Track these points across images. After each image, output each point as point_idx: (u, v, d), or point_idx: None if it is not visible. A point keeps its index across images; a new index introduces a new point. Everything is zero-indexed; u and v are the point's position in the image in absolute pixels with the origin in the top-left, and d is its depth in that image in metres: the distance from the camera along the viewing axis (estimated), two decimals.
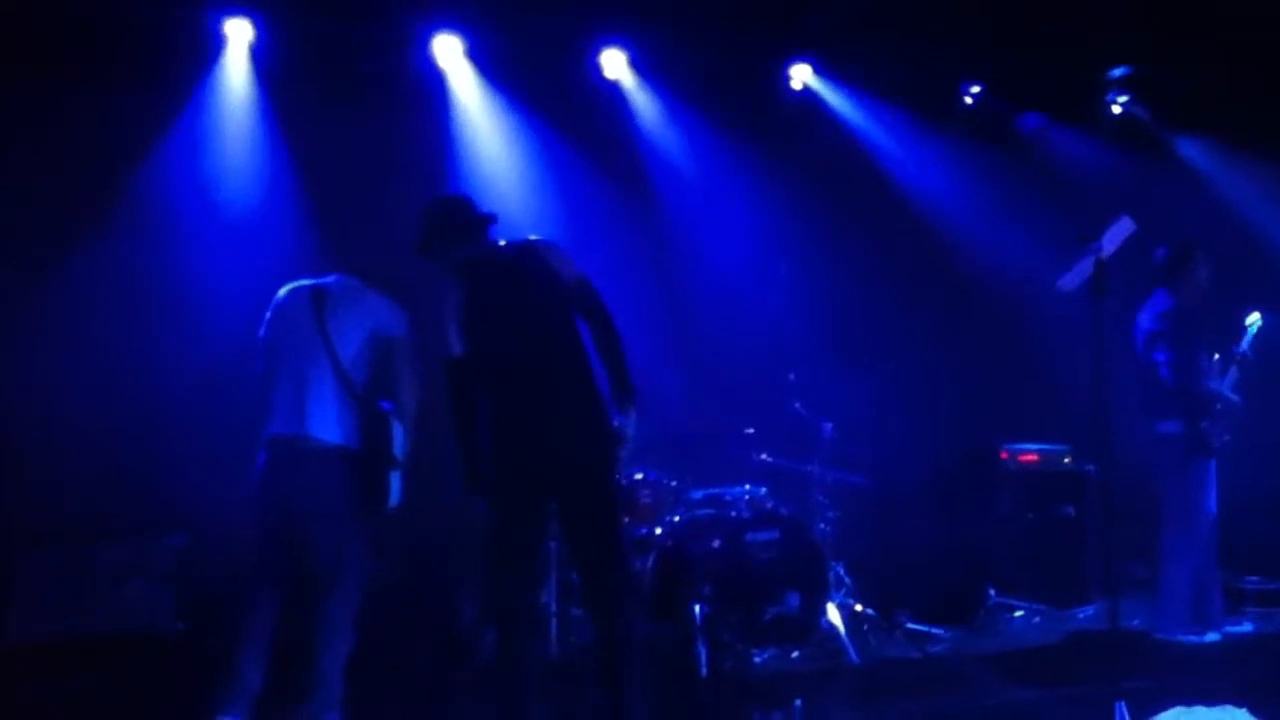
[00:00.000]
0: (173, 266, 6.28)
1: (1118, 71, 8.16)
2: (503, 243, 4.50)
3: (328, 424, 4.42)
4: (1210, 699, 4.63)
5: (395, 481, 4.45)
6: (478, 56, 6.96)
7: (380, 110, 6.66)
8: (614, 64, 7.27)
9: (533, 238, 4.47)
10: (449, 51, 6.88)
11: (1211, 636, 5.80)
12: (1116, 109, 8.19)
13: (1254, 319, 6.03)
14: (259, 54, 6.52)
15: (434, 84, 6.95)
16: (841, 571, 6.09)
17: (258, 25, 6.45)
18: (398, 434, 4.45)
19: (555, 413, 4.24)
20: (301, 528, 4.40)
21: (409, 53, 6.81)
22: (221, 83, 6.46)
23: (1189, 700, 4.62)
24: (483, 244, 4.48)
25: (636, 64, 7.34)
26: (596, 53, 7.23)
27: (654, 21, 7.05)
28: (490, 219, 4.53)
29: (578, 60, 7.22)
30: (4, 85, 5.97)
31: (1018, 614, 6.52)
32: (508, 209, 6.71)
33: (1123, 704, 4.39)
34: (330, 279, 4.67)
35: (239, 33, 6.44)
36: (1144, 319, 5.98)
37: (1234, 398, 5.90)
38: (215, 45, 6.44)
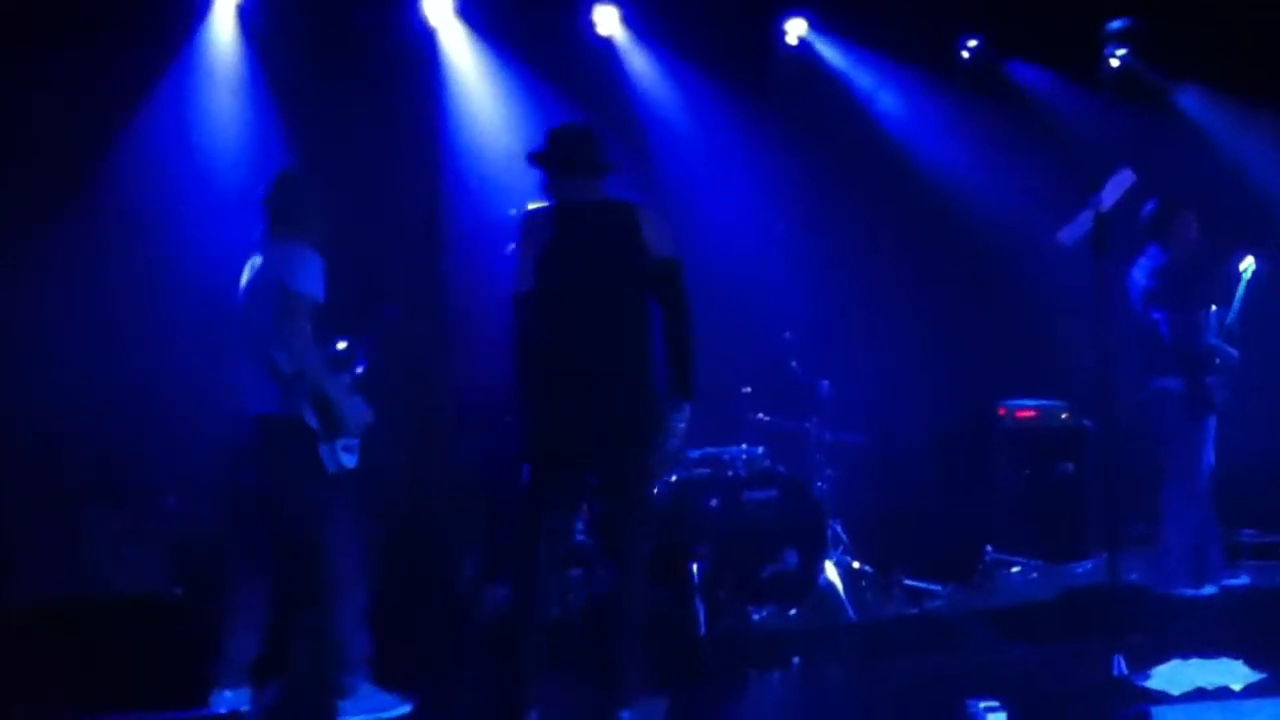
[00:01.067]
0: (161, 229, 6.19)
1: (1116, 24, 8.07)
2: (606, 196, 4.28)
3: (249, 393, 4.33)
4: (1207, 652, 4.66)
5: (323, 449, 4.26)
6: (468, 14, 6.88)
7: (370, 69, 6.56)
8: (606, 20, 7.19)
9: (638, 204, 4.26)
10: (439, 9, 6.79)
11: (1209, 590, 5.81)
12: (1115, 62, 8.10)
13: (1247, 263, 5.99)
14: (246, 13, 6.42)
15: (424, 42, 6.86)
16: (839, 529, 6.09)
17: None
18: (303, 399, 4.23)
19: (605, 385, 4.12)
20: (258, 498, 4.35)
21: (398, 10, 6.72)
22: (208, 43, 6.37)
23: (1186, 653, 4.65)
24: (591, 189, 4.26)
25: (629, 20, 7.25)
26: (589, 9, 7.14)
27: None
28: (609, 166, 4.31)
29: (570, 17, 7.14)
30: None
31: (1015, 570, 6.55)
32: (500, 168, 6.76)
33: (1121, 657, 4.41)
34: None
35: None
36: (1139, 275, 5.95)
37: (1232, 351, 5.87)
38: (202, 4, 6.35)
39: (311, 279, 4.25)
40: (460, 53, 6.94)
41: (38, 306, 5.99)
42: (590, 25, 7.18)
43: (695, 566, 5.40)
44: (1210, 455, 5.87)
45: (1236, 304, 5.93)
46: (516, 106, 6.92)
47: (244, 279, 4.46)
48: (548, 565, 4.23)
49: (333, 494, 4.32)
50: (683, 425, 4.20)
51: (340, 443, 4.29)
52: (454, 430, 4.38)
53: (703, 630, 5.27)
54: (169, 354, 6.04)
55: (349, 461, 4.33)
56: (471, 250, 5.98)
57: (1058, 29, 7.80)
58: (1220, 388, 5.80)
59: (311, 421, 4.23)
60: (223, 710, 4.31)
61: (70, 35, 5.90)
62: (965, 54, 7.90)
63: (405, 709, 4.40)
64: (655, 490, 4.54)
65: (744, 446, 6.02)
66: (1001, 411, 7.00)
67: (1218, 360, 5.82)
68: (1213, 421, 5.86)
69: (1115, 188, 5.08)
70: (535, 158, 4.35)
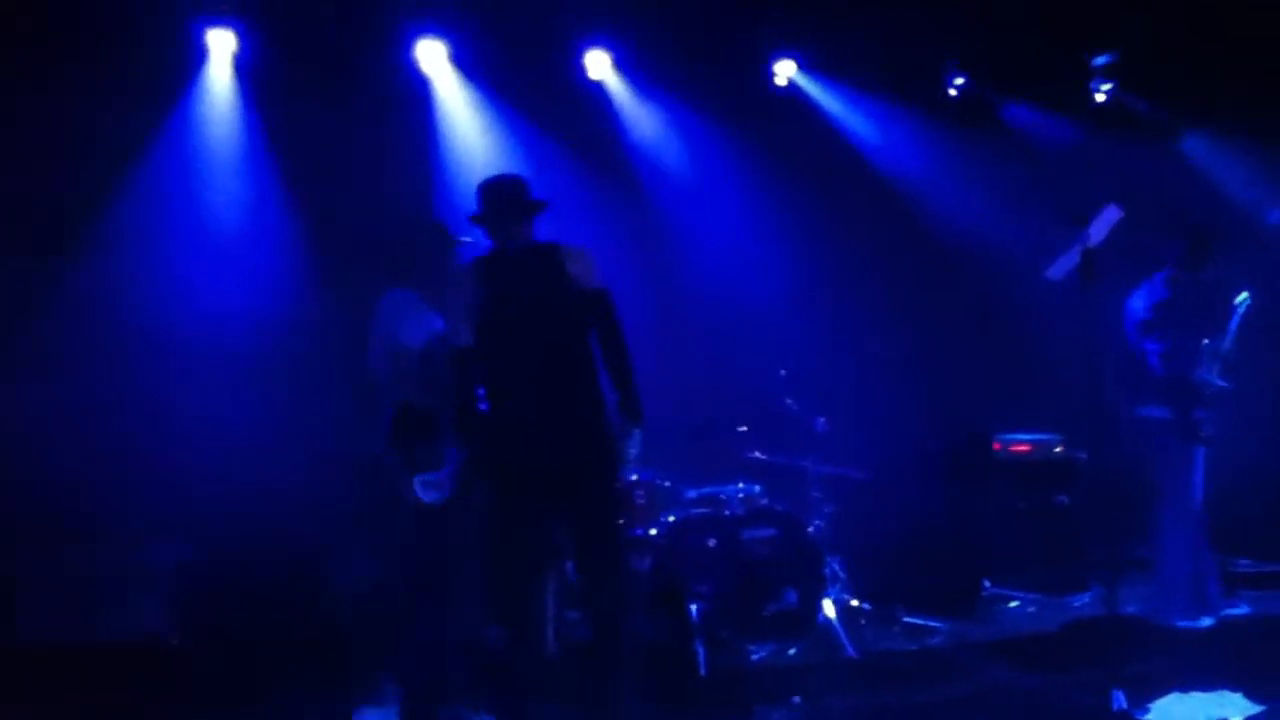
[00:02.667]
0: (163, 277, 6.25)
1: (1101, 59, 8.19)
2: (532, 240, 4.53)
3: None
4: (1206, 684, 4.68)
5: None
6: (462, 61, 6.96)
7: (366, 117, 6.62)
8: (598, 65, 7.28)
9: (561, 242, 4.50)
10: (433, 57, 6.87)
11: (1206, 621, 5.83)
12: (1100, 96, 8.20)
13: (1243, 297, 6.04)
14: (242, 64, 6.50)
15: (419, 89, 6.94)
16: (838, 567, 6.10)
17: (241, 35, 6.43)
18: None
19: (560, 419, 4.27)
20: None
21: (393, 59, 6.80)
22: (206, 93, 6.44)
23: (1185, 686, 4.67)
24: (519, 235, 4.48)
25: (620, 64, 7.34)
26: (580, 54, 7.23)
27: (636, 22, 7.06)
28: (535, 208, 4.54)
29: (562, 62, 7.22)
30: None
31: (1014, 604, 6.55)
32: None
33: (1120, 692, 4.42)
34: None
35: (222, 43, 6.41)
36: (1137, 306, 6.00)
37: (1222, 383, 5.91)
38: (198, 56, 6.43)
39: (414, 328, 4.64)
40: (455, 100, 7.02)
41: (41, 349, 6.02)
42: (582, 70, 7.26)
43: (695, 606, 5.41)
44: (1200, 483, 5.89)
45: (1231, 336, 5.98)
46: (512, 151, 6.99)
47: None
48: (537, 603, 4.31)
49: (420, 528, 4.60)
50: (636, 450, 4.33)
51: (419, 479, 4.55)
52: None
53: (704, 670, 5.28)
54: (173, 397, 6.08)
55: (428, 497, 4.57)
56: None
57: (1044, 64, 7.95)
58: (1209, 421, 5.84)
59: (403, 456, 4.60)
60: None
61: (69, 85, 5.98)
62: (953, 91, 7.99)
63: None
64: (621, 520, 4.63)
65: (741, 485, 6.05)
66: (997, 446, 7.04)
67: (1209, 394, 5.86)
68: (1202, 453, 5.89)
69: (1103, 223, 5.15)
70: (472, 219, 4.57)
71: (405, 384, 4.61)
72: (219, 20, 6.37)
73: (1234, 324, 6.00)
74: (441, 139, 6.95)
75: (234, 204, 6.45)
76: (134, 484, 5.89)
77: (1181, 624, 5.79)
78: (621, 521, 5.63)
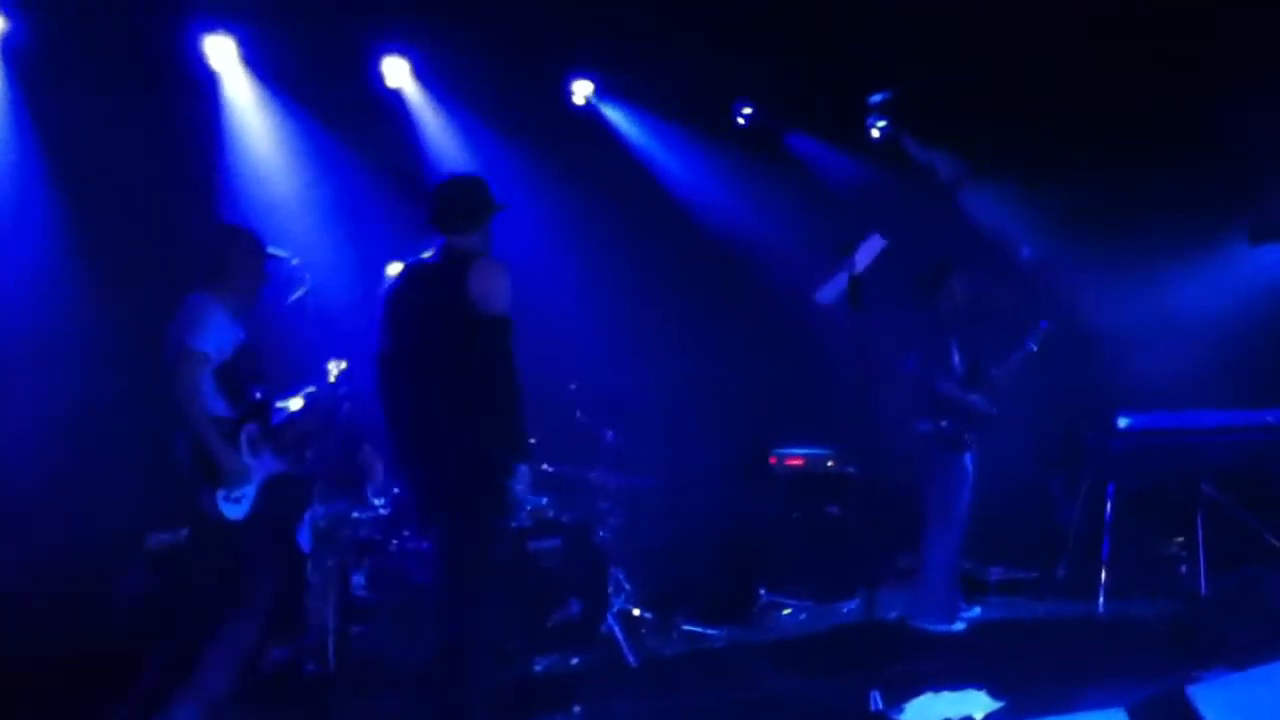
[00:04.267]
0: None
1: (877, 97, 8.71)
2: (454, 251, 4.32)
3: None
4: (956, 683, 5.05)
5: (204, 497, 4.40)
6: (253, 60, 6.75)
7: (148, 111, 6.33)
8: (396, 72, 7.21)
9: (476, 257, 4.29)
10: (222, 53, 6.64)
11: (958, 626, 6.28)
12: (875, 132, 8.72)
13: (1038, 328, 6.52)
14: (9, 43, 6.10)
15: (206, 85, 6.70)
16: (621, 577, 6.25)
17: (8, 14, 6.05)
18: (180, 447, 4.44)
19: (429, 453, 4.21)
20: None
21: (179, 50, 6.53)
22: None
23: (937, 686, 5.02)
24: (446, 244, 4.34)
25: (419, 73, 7.30)
26: (378, 60, 7.15)
27: (435, 30, 7.03)
28: (475, 216, 4.41)
29: (359, 68, 7.11)
30: None
31: (787, 611, 6.86)
32: (285, 217, 6.67)
33: (877, 692, 4.73)
34: None
35: None
36: (895, 328, 6.42)
37: (973, 399, 6.36)
38: None
39: (210, 335, 4.42)
40: (243, 98, 6.79)
41: None
42: (379, 77, 7.18)
43: None
44: (965, 495, 6.33)
45: (1015, 360, 6.45)
46: (304, 154, 6.85)
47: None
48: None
49: (215, 543, 4.43)
50: (519, 487, 4.24)
51: (221, 493, 4.37)
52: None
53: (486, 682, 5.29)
54: None
55: (231, 513, 4.40)
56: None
57: (827, 100, 8.40)
58: (965, 431, 6.29)
59: (185, 469, 4.39)
60: None
61: None
62: (740, 119, 8.33)
63: None
64: (496, 549, 4.43)
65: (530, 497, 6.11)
66: (773, 460, 7.36)
67: (962, 407, 6.31)
68: (966, 462, 6.32)
69: (867, 251, 5.52)
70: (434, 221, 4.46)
71: (199, 392, 4.40)
72: None
73: (1018, 353, 6.49)
74: (229, 138, 6.72)
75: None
76: None
77: (936, 628, 6.22)
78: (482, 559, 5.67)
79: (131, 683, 4.41)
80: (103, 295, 6.10)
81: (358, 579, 5.87)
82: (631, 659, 5.72)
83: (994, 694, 4.93)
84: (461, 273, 4.18)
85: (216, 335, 4.44)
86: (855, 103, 8.66)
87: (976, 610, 6.58)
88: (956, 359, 6.40)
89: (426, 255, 4.38)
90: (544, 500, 6.09)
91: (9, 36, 6.10)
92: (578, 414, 6.46)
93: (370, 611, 5.70)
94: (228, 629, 4.42)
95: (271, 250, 4.94)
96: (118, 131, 6.20)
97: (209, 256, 4.66)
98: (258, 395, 4.66)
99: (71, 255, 6.15)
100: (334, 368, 5.23)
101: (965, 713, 4.80)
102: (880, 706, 4.69)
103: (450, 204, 4.40)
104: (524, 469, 4.26)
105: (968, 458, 6.31)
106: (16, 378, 5.92)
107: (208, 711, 4.34)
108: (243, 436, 4.51)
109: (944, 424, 6.25)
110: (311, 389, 5.14)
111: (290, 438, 4.87)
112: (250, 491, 4.45)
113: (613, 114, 8.05)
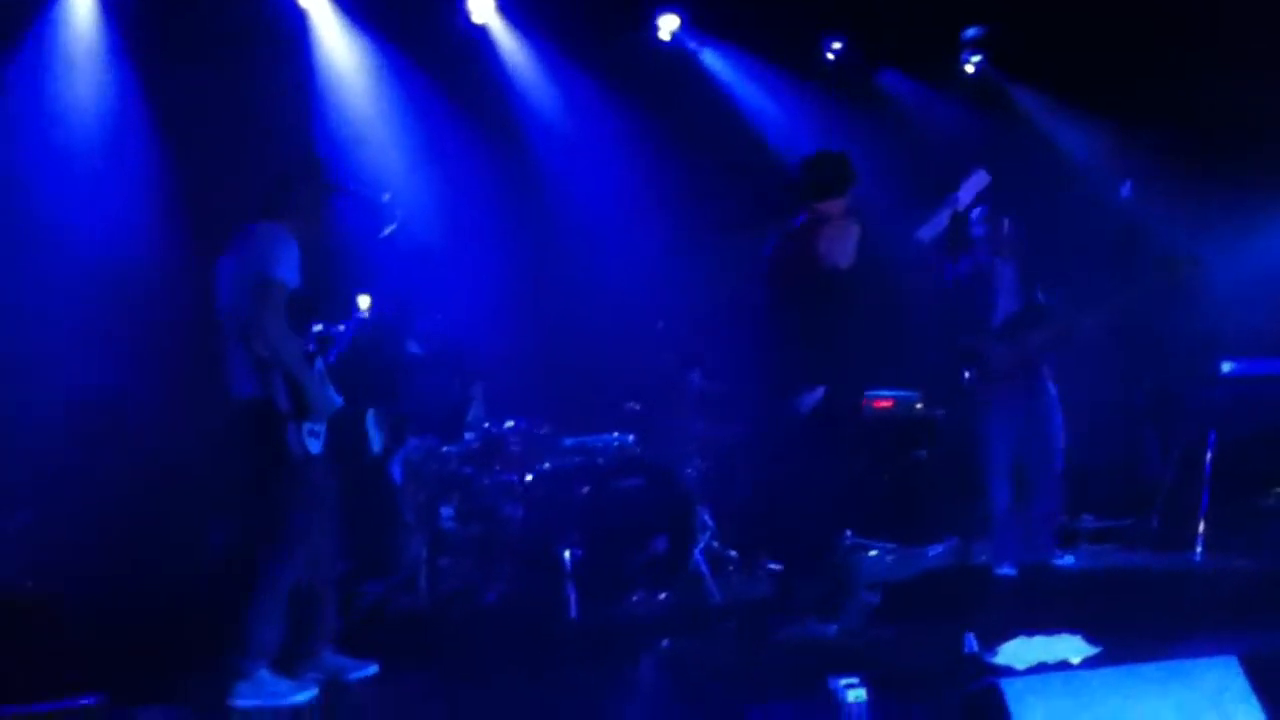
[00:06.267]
0: (13, 212, 5.94)
1: (971, 31, 8.45)
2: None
3: (235, 377, 4.34)
4: (1049, 628, 4.96)
5: (291, 432, 4.29)
6: None
7: (239, 51, 6.38)
8: (482, 7, 7.16)
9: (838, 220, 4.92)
10: None
11: (1007, 570, 6.08)
12: (970, 68, 8.47)
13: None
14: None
15: (295, 23, 6.73)
16: (707, 516, 6.24)
17: None
18: (275, 382, 4.28)
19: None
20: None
21: None
22: (65, 19, 6.12)
23: (1030, 630, 4.93)
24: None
25: (504, 7, 7.25)
26: None
27: None
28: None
29: (445, 3, 7.08)
30: None
31: (872, 553, 6.80)
32: (374, 154, 6.70)
33: (970, 635, 4.66)
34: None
35: None
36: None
37: (998, 351, 6.08)
38: None
39: (288, 266, 4.28)
40: (332, 36, 6.83)
41: None
42: (465, 12, 7.14)
43: (567, 553, 5.46)
44: (997, 445, 6.01)
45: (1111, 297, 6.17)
46: (391, 91, 6.87)
47: (222, 263, 4.44)
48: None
49: (298, 478, 4.34)
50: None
51: (306, 426, 4.31)
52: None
53: (574, 613, 5.35)
54: (26, 348, 5.80)
55: (314, 447, 4.36)
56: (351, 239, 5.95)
57: (918, 34, 8.16)
58: (987, 381, 5.97)
59: (282, 405, 4.26)
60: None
61: None
62: (830, 55, 8.14)
63: (372, 669, 4.56)
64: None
65: (615, 435, 6.12)
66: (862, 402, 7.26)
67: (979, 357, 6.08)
68: (991, 411, 5.97)
69: (971, 187, 5.36)
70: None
71: (285, 323, 4.28)
72: None
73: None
74: (318, 76, 6.75)
75: (95, 135, 6.14)
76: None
77: (1005, 571, 6.08)
78: (497, 467, 5.73)
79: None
80: (193, 237, 6.14)
81: (446, 512, 5.96)
82: (718, 596, 5.71)
83: (1090, 639, 4.84)
84: (817, 234, 4.90)
85: (291, 265, 4.30)
86: (948, 37, 8.42)
87: (1070, 559, 6.44)
88: (1005, 302, 6.13)
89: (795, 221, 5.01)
90: (630, 438, 6.08)
91: None
92: (665, 354, 6.41)
93: (460, 544, 5.77)
94: (267, 571, 4.34)
95: (361, 187, 4.92)
96: (211, 75, 6.25)
97: (273, 186, 4.52)
98: (317, 328, 4.66)
99: (170, 202, 6.22)
100: (364, 302, 5.18)
101: (1061, 657, 4.71)
102: (974, 649, 4.62)
103: (817, 177, 5.05)
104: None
105: (995, 407, 6.07)
106: (113, 333, 6.00)
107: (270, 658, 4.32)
108: (318, 368, 4.47)
109: (968, 374, 6.08)
110: (341, 326, 5.08)
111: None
112: (323, 426, 4.42)
113: (699, 48, 7.91)
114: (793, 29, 7.93)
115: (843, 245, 4.93)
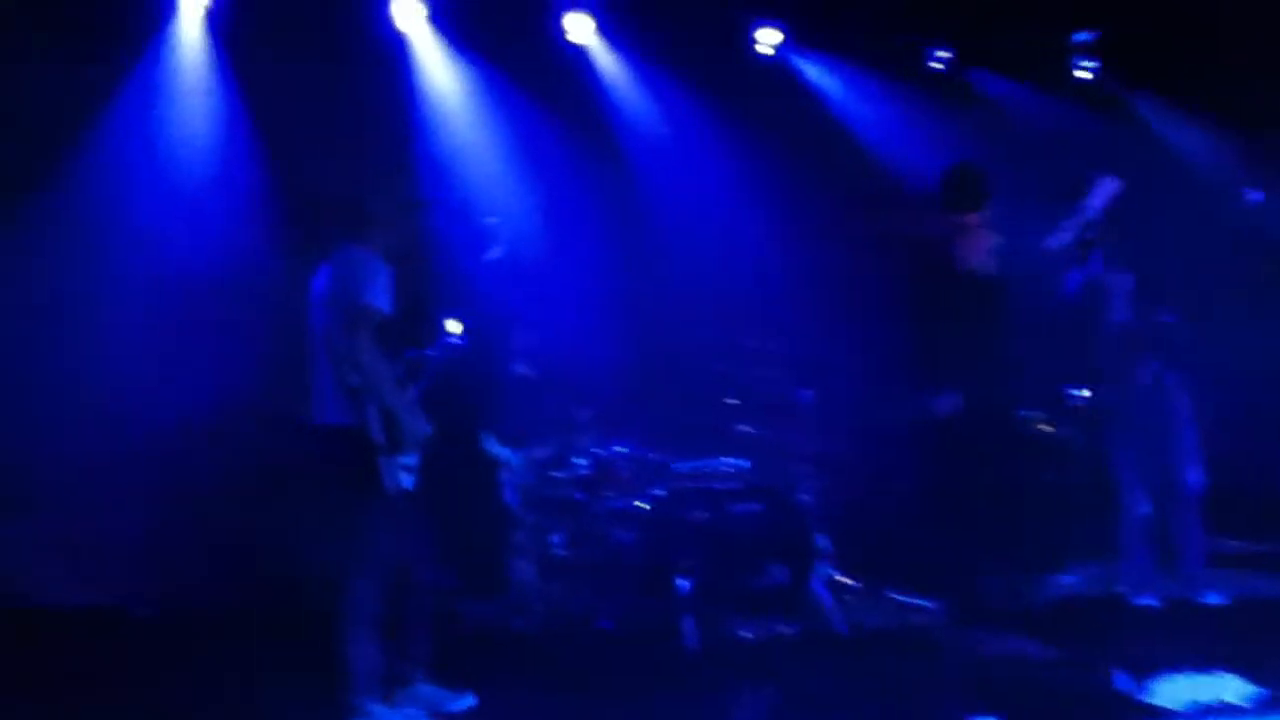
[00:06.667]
0: (120, 231, 6.02)
1: (1082, 35, 8.16)
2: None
3: (321, 404, 4.21)
4: (1202, 665, 4.62)
5: (384, 465, 4.10)
6: (439, 20, 6.75)
7: (341, 73, 6.40)
8: (579, 28, 7.09)
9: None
10: (410, 14, 6.65)
11: (1149, 600, 5.77)
12: (1082, 74, 8.17)
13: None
14: (214, 15, 6.25)
15: (396, 47, 6.73)
16: (826, 542, 5.98)
17: None
18: (369, 412, 4.11)
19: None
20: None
21: (370, 15, 6.57)
22: (175, 43, 6.20)
23: (1182, 667, 4.61)
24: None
25: (603, 28, 7.17)
26: (559, 16, 7.04)
27: None
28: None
29: (541, 24, 7.02)
30: None
31: (1004, 581, 6.45)
32: (475, 174, 6.65)
33: (1120, 672, 4.36)
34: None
35: None
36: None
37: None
38: (168, 6, 6.17)
39: (379, 291, 4.13)
40: (433, 60, 6.82)
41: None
42: (562, 32, 7.07)
43: (683, 581, 5.27)
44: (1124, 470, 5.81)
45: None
46: (491, 112, 6.82)
47: (314, 287, 4.33)
48: None
49: (388, 511, 4.17)
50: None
51: (399, 460, 4.15)
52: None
53: (692, 645, 5.14)
54: (142, 359, 5.84)
55: (406, 482, 4.20)
56: (454, 259, 5.88)
57: (1025, 41, 7.89)
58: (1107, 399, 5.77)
59: (376, 435, 4.10)
60: None
61: (36, 35, 5.69)
62: (936, 65, 7.91)
63: (469, 702, 4.38)
64: None
65: (729, 459, 5.92)
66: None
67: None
68: (1113, 429, 5.77)
69: (1102, 195, 5.10)
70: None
71: (380, 352, 4.11)
72: None
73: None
74: (419, 97, 6.74)
75: (203, 157, 6.19)
76: (99, 450, 5.68)
77: (1145, 601, 5.74)
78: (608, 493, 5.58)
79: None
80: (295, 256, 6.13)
81: (555, 538, 5.82)
82: (841, 626, 5.46)
83: (1249, 679, 4.50)
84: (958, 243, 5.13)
85: (382, 290, 4.13)
86: (1057, 42, 8.13)
87: (1214, 595, 6.06)
88: (1121, 314, 5.82)
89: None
90: (746, 462, 5.88)
91: (213, 9, 6.22)
92: (775, 373, 6.20)
93: (571, 570, 5.63)
94: (357, 604, 4.18)
95: (465, 208, 4.81)
96: (313, 93, 6.26)
97: (357, 206, 4.35)
98: (409, 354, 4.46)
99: (271, 217, 6.23)
100: (454, 326, 4.94)
101: (1219, 698, 4.38)
102: (1125, 686, 4.32)
103: (959, 188, 5.26)
104: None
105: (1123, 426, 5.75)
106: (226, 332, 6.01)
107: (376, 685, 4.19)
108: (410, 396, 4.31)
109: (1092, 391, 5.80)
110: (431, 351, 4.74)
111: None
112: (415, 458, 4.24)
113: (801, 62, 7.74)
114: (894, 38, 7.73)
115: (983, 255, 5.07)
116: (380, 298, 4.12)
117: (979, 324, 5.08)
